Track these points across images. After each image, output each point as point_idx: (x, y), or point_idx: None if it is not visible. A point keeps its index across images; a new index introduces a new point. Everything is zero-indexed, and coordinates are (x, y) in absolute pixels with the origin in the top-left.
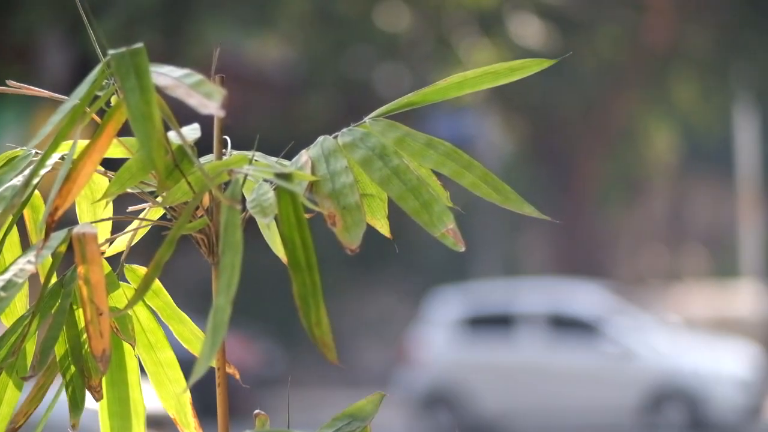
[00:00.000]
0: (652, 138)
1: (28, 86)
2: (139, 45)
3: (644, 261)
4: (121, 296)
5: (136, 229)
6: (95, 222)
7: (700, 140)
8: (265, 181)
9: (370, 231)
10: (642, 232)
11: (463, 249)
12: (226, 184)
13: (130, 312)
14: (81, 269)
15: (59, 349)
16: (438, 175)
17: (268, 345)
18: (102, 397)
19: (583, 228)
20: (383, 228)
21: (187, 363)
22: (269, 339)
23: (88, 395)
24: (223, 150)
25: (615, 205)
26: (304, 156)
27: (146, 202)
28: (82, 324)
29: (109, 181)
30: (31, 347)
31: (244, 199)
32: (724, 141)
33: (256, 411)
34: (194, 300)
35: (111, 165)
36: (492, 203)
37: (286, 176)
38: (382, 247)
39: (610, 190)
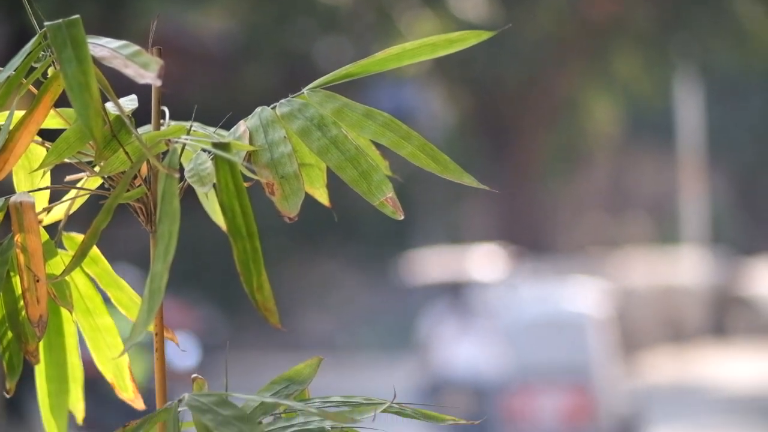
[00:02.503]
0: (594, 109)
1: None
2: (76, 16)
3: (586, 230)
4: (59, 263)
5: (73, 198)
6: (32, 191)
7: (642, 111)
8: (204, 150)
9: (312, 200)
10: (584, 202)
11: (401, 218)
12: (165, 153)
13: (68, 279)
14: (18, 237)
15: None
16: (378, 146)
17: (210, 312)
18: (39, 362)
19: (525, 198)
20: (322, 197)
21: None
22: (211, 306)
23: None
24: (162, 120)
25: (557, 176)
26: (242, 126)
27: (84, 171)
28: (19, 291)
29: (47, 151)
30: None
31: (182, 169)
32: (665, 112)
33: (194, 375)
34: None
35: (49, 136)
36: (433, 174)
37: (223, 146)
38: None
39: (552, 161)
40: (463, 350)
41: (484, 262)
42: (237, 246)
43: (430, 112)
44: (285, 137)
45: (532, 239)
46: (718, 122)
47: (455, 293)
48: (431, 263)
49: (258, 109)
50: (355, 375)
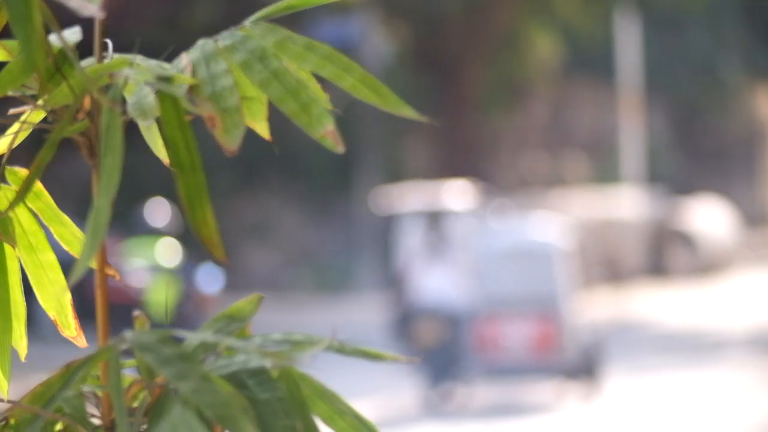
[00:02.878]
0: (534, 44)
1: None
2: None
3: (526, 165)
4: (2, 198)
5: (17, 132)
6: None
7: (582, 46)
8: (146, 84)
9: (257, 140)
10: (524, 137)
11: (342, 151)
12: (108, 87)
13: (11, 214)
14: None
15: None
16: (319, 79)
17: None
18: None
19: (466, 132)
20: (263, 130)
21: None
22: None
23: None
24: (105, 53)
25: (497, 111)
26: (184, 59)
27: (27, 105)
28: None
29: None
30: None
31: (126, 102)
32: (605, 47)
33: (136, 312)
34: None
35: None
36: (375, 111)
37: (166, 79)
38: (267, 154)
39: (492, 96)
40: (435, 279)
41: (453, 195)
42: (181, 180)
43: (371, 45)
44: (227, 70)
45: (473, 174)
46: (657, 58)
47: (428, 223)
48: (403, 195)
49: (200, 42)
50: (297, 313)
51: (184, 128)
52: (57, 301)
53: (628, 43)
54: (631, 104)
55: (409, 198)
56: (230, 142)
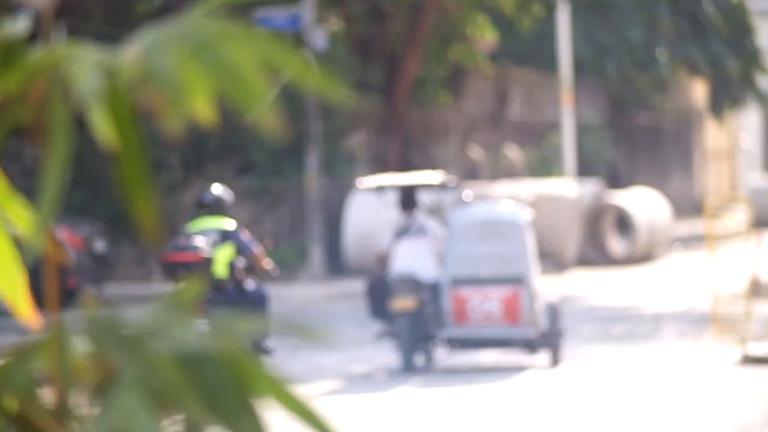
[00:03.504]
0: (476, 35)
1: None
2: None
3: (469, 157)
4: None
5: None
6: None
7: (521, 37)
8: (93, 71)
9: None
10: (466, 129)
11: (282, 136)
12: (57, 75)
13: None
14: None
15: None
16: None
17: (102, 237)
18: None
19: (410, 123)
20: (206, 117)
21: None
22: (103, 232)
23: None
24: (55, 41)
25: (437, 101)
26: (131, 46)
27: None
28: None
29: None
30: None
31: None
32: (543, 38)
33: (87, 294)
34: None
35: None
36: (323, 103)
37: (113, 66)
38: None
39: (432, 87)
40: (411, 251)
41: (423, 176)
42: (123, 167)
43: (316, 36)
44: (171, 58)
45: (418, 165)
46: (592, 49)
47: (403, 199)
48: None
49: (145, 30)
50: None
51: (127, 117)
52: (10, 283)
53: (563, 35)
54: (566, 96)
55: (378, 179)
56: (174, 128)
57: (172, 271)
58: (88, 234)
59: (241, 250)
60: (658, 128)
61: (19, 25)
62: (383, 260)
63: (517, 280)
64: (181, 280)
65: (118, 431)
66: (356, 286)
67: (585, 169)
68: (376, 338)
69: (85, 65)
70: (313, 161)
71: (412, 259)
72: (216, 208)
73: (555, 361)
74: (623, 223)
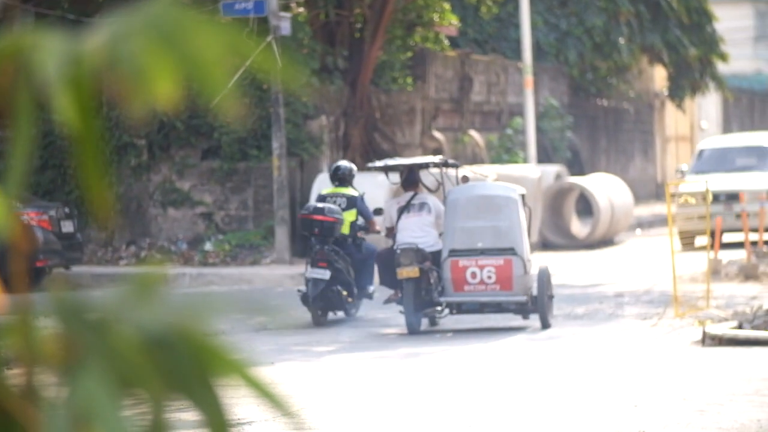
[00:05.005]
0: (438, 21)
1: None
2: None
3: (433, 142)
4: None
5: None
6: None
7: (483, 23)
8: (59, 58)
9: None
10: (428, 111)
11: (244, 121)
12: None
13: None
14: None
15: None
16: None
17: (70, 219)
18: None
19: (369, 108)
20: (171, 104)
21: None
22: (72, 214)
23: None
24: (21, 26)
25: (401, 85)
26: (96, 33)
27: None
28: None
29: None
30: None
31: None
32: (505, 24)
33: (55, 275)
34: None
35: None
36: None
37: (78, 53)
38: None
39: (395, 71)
40: (413, 224)
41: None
42: (78, 150)
43: (278, 22)
44: (137, 45)
45: (383, 150)
46: (554, 34)
47: (410, 176)
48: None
49: (111, 18)
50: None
51: (87, 103)
52: None
53: (525, 20)
54: (528, 80)
55: (384, 161)
56: (139, 113)
57: (310, 226)
58: (56, 216)
59: (361, 213)
60: (618, 113)
61: None
62: (390, 233)
63: (510, 251)
64: (316, 235)
65: (83, 413)
66: None
67: (547, 155)
68: (384, 303)
69: (50, 52)
70: (277, 144)
71: (416, 232)
72: (345, 179)
73: (545, 324)
74: (585, 207)
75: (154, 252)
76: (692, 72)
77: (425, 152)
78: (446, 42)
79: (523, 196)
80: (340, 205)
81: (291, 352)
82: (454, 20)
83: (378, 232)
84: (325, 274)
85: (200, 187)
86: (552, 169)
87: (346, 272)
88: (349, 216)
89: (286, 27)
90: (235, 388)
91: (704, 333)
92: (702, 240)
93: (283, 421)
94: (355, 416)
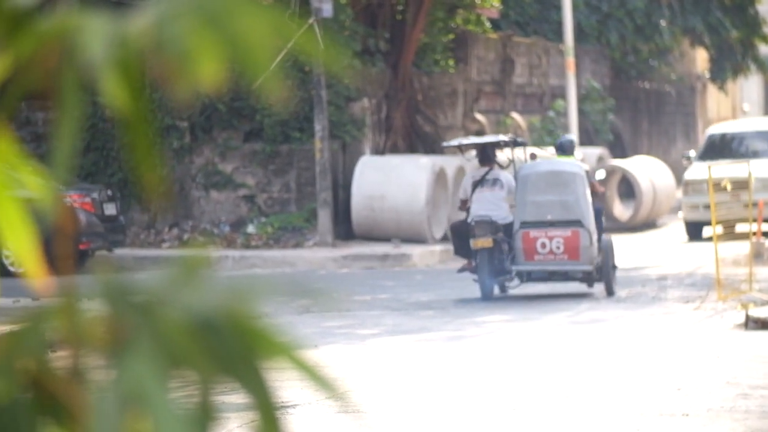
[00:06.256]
0: (480, 3)
1: None
2: None
3: (475, 124)
4: None
5: None
6: None
7: (524, 5)
8: (105, 39)
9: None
10: (472, 97)
11: (287, 103)
12: (70, 40)
13: None
14: None
15: None
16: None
17: (113, 202)
18: None
19: (411, 90)
20: (216, 86)
21: None
22: (114, 196)
23: None
24: (67, 7)
25: (443, 68)
26: (142, 15)
27: None
28: None
29: None
30: None
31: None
32: (546, 6)
33: (99, 258)
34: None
35: None
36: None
37: (124, 35)
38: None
39: (437, 53)
40: (487, 197)
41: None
42: (131, 134)
43: (326, 3)
44: (183, 27)
45: (426, 133)
46: (598, 18)
47: (484, 153)
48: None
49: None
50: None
51: (136, 85)
52: (22, 245)
53: (566, 2)
54: (570, 62)
55: (460, 139)
56: (184, 96)
57: None
58: (99, 198)
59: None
60: (660, 95)
61: None
62: (464, 206)
63: (577, 223)
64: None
65: (131, 396)
66: (363, 250)
67: (589, 137)
68: (458, 272)
69: (96, 33)
70: (320, 127)
71: (489, 205)
72: (569, 149)
73: (609, 291)
74: (627, 189)
75: (196, 235)
76: (734, 54)
77: (467, 134)
78: (488, 24)
79: (587, 172)
80: None
81: (334, 335)
82: (496, 2)
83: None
84: None
85: (243, 170)
86: (594, 151)
87: None
88: None
89: (328, 9)
90: (279, 370)
91: (747, 316)
92: (743, 227)
93: (329, 404)
94: (399, 399)
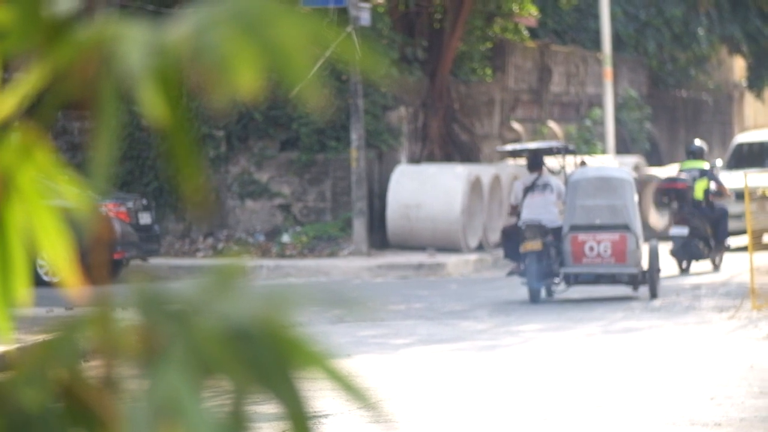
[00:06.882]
0: (517, 11)
1: None
2: None
3: (512, 129)
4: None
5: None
6: None
7: (562, 13)
8: (144, 49)
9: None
10: (509, 104)
11: (325, 111)
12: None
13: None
14: None
15: None
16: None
17: (147, 211)
18: None
19: (448, 99)
20: (253, 95)
21: None
22: (149, 206)
23: None
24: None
25: (480, 76)
26: (180, 24)
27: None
28: None
29: None
30: None
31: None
32: (584, 14)
33: (133, 267)
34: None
35: None
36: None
37: (162, 44)
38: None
39: (475, 61)
40: (538, 202)
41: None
42: (172, 143)
43: (364, 12)
44: (221, 36)
45: (462, 141)
46: (633, 25)
47: (534, 159)
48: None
49: (196, 7)
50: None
51: (175, 94)
52: (58, 253)
53: (604, 11)
54: (607, 71)
55: (512, 145)
56: (221, 105)
57: (666, 194)
58: (134, 207)
59: (713, 181)
60: (697, 104)
61: (69, 2)
62: (515, 211)
63: (625, 227)
64: (670, 201)
65: (164, 405)
66: (398, 259)
67: (625, 146)
68: (507, 275)
69: (134, 43)
70: (356, 135)
71: (538, 209)
72: (698, 155)
73: (654, 293)
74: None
75: (231, 244)
76: None
77: (504, 143)
78: (525, 32)
79: (712, 174)
80: (693, 177)
81: (368, 345)
82: (534, 11)
83: (729, 196)
84: (684, 231)
85: (278, 179)
86: (630, 160)
87: (702, 229)
88: (701, 184)
89: (365, 17)
90: (312, 380)
91: None
92: None
93: (362, 414)
94: (431, 409)
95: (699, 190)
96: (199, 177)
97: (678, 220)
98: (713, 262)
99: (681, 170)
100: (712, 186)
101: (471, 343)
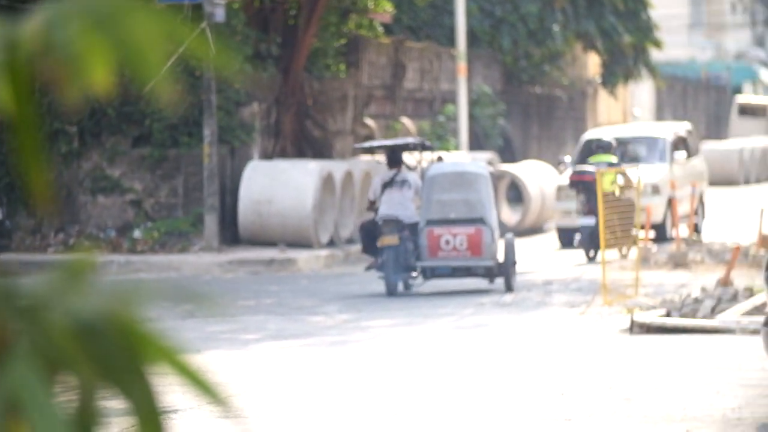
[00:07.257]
0: (372, 8)
1: None
2: None
3: (365, 125)
4: None
5: None
6: None
7: (417, 9)
8: None
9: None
10: (361, 98)
11: (177, 107)
12: None
13: None
14: None
15: None
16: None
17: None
18: None
19: (302, 95)
20: (105, 90)
21: None
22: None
23: None
24: None
25: (334, 72)
26: (32, 18)
27: None
28: None
29: None
30: None
31: None
32: (439, 10)
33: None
34: None
35: None
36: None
37: (13, 38)
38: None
39: (329, 58)
40: (395, 198)
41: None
42: (19, 138)
43: (218, 7)
44: (73, 30)
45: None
46: (488, 21)
47: (393, 155)
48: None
49: (47, 3)
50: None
51: (25, 89)
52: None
53: (459, 7)
54: (461, 67)
55: (370, 142)
56: (73, 100)
57: (576, 185)
58: None
59: (620, 174)
60: (551, 100)
61: None
62: (372, 206)
63: (480, 221)
64: (580, 193)
65: (12, 400)
66: (249, 254)
67: (479, 142)
68: (365, 270)
69: None
70: (209, 131)
71: (396, 205)
72: (607, 149)
73: (509, 286)
74: (516, 194)
75: (82, 239)
76: (626, 59)
77: (357, 139)
78: (380, 29)
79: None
80: (600, 169)
81: (218, 340)
82: (389, 7)
83: (634, 186)
84: (591, 221)
85: (130, 175)
86: (484, 156)
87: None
88: (609, 177)
89: (220, 13)
90: (163, 375)
91: (632, 321)
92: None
93: (211, 409)
94: (280, 404)
95: (607, 182)
96: (46, 173)
97: (586, 210)
98: (620, 251)
99: (590, 163)
100: (619, 179)
101: (321, 339)
